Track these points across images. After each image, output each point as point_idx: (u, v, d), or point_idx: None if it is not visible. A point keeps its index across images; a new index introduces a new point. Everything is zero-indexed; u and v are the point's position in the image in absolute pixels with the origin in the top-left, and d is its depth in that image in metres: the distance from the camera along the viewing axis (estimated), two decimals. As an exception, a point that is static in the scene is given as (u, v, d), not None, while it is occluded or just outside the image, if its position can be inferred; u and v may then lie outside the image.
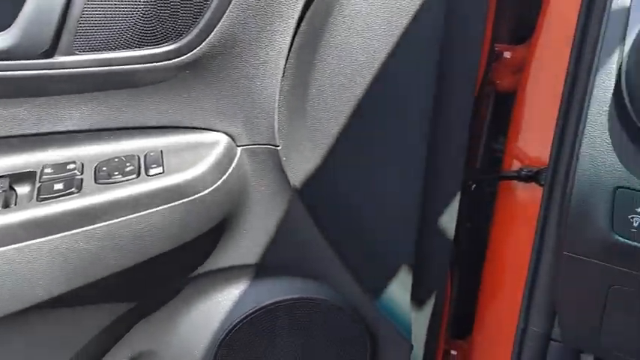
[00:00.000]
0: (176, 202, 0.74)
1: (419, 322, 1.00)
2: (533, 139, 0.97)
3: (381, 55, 0.80)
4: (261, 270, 0.89)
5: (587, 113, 0.63)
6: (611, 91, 0.62)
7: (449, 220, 0.97)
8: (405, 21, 0.79)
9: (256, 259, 0.87)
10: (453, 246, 1.16)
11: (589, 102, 0.64)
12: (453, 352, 1.21)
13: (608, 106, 0.62)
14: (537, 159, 0.96)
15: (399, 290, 0.95)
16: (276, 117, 0.77)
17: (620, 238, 0.64)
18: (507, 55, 0.99)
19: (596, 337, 0.82)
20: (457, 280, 1.27)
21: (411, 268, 0.94)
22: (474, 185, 1.17)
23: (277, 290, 0.91)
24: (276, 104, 0.76)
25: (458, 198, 0.96)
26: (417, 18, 0.79)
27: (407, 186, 0.89)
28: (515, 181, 1.00)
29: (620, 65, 0.62)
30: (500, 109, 1.08)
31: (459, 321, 1.26)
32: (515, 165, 1.00)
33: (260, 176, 0.80)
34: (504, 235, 1.05)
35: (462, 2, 0.83)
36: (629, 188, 0.62)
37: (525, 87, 0.95)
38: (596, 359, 0.95)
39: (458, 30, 0.84)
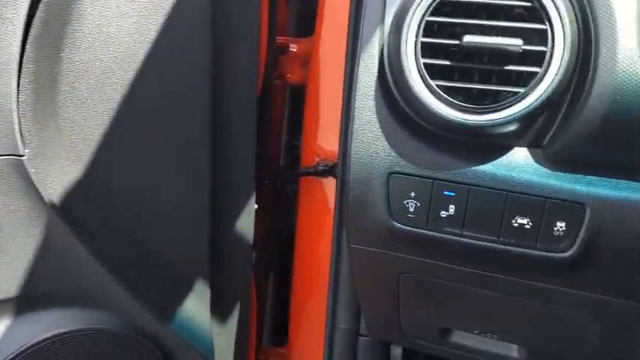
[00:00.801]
0: None
1: (224, 337, 0.93)
2: (326, 132, 0.95)
3: (143, 47, 0.71)
4: (26, 303, 0.76)
5: (354, 99, 0.60)
6: (376, 74, 0.60)
7: (246, 224, 0.91)
8: (166, 12, 0.71)
9: (18, 290, 0.74)
10: (263, 250, 1.10)
11: (356, 87, 0.61)
12: (271, 361, 1.16)
13: (374, 90, 0.60)
14: (332, 152, 0.94)
15: (197, 306, 0.86)
16: (15, 120, 0.64)
17: (399, 225, 0.62)
18: (293, 48, 0.96)
19: (396, 327, 0.81)
20: (272, 285, 1.22)
21: (207, 280, 0.86)
22: (278, 184, 1.13)
23: (50, 324, 0.78)
24: (15, 105, 0.64)
25: (253, 200, 0.90)
26: (180, 9, 0.71)
27: (192, 193, 0.81)
28: (315, 177, 0.98)
29: (382, 48, 0.60)
30: (297, 104, 1.05)
31: (277, 327, 1.22)
32: (313, 160, 0.98)
33: (4, 193, 0.67)
34: (308, 232, 1.02)
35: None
36: (402, 173, 0.61)
37: (313, 80, 0.92)
38: (404, 350, 0.96)
39: (230, 24, 0.78)
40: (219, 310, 0.91)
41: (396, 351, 0.96)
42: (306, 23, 0.99)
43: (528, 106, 0.54)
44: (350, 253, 0.70)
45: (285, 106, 1.09)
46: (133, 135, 0.75)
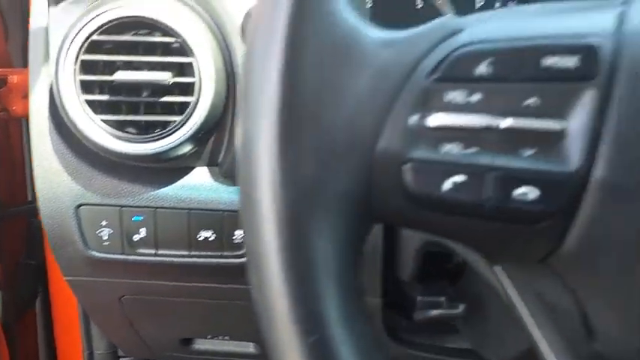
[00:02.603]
0: None
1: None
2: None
3: None
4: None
5: (28, 136, 0.61)
6: (47, 111, 0.61)
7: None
8: None
9: None
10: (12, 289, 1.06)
11: (31, 125, 0.62)
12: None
13: (48, 126, 0.62)
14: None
15: None
16: None
17: (96, 253, 0.64)
18: (13, 79, 0.93)
19: (142, 344, 0.83)
20: (40, 320, 1.18)
21: None
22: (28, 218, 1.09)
23: None
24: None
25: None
26: None
27: None
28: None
29: (52, 83, 0.61)
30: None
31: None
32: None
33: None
34: (52, 265, 1.00)
35: None
36: (90, 204, 0.63)
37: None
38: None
39: None
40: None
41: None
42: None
43: (188, 132, 0.59)
44: (68, 284, 0.71)
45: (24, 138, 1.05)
46: None
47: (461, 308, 0.59)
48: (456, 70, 0.28)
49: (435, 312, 0.60)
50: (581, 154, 0.27)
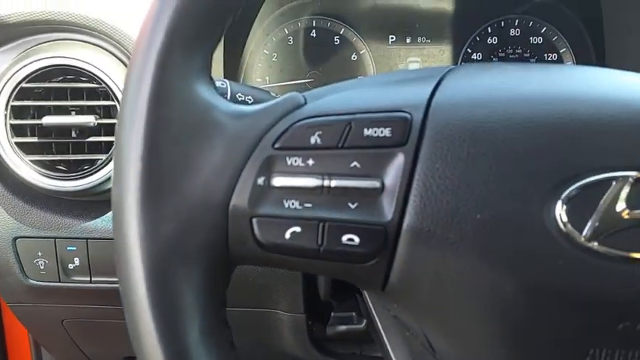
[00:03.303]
0: None
1: None
2: None
3: None
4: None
5: None
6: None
7: None
8: None
9: None
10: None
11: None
12: None
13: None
14: None
15: None
16: None
17: (35, 282, 0.69)
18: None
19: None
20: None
21: None
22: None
23: None
24: None
25: None
26: None
27: None
28: None
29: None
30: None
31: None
32: None
33: None
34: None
35: None
36: (26, 237, 0.67)
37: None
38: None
39: None
40: None
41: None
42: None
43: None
44: (11, 310, 0.75)
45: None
46: None
47: (363, 323, 0.66)
48: (294, 140, 0.34)
49: (342, 327, 0.66)
50: (394, 207, 0.33)
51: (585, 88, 0.35)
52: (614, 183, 0.31)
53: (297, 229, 0.33)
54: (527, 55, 0.82)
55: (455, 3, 0.82)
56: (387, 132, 0.33)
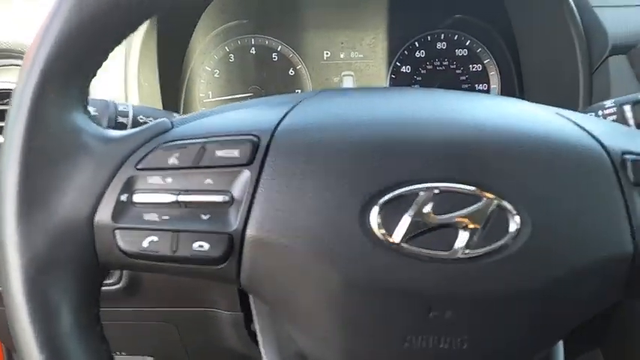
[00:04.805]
0: None
1: None
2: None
3: None
4: None
5: None
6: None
7: None
8: None
9: None
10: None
11: None
12: None
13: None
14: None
15: None
16: None
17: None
18: None
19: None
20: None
21: None
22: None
23: None
24: None
25: None
26: None
27: None
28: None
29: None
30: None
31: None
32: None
33: None
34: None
35: None
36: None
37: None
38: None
39: None
40: None
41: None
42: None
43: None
44: None
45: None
46: None
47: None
48: (155, 162, 0.39)
49: None
50: (239, 217, 0.38)
51: (409, 113, 0.41)
52: (421, 193, 0.37)
53: (155, 238, 0.39)
54: (454, 66, 0.88)
55: (384, 20, 0.88)
56: (236, 152, 0.39)
